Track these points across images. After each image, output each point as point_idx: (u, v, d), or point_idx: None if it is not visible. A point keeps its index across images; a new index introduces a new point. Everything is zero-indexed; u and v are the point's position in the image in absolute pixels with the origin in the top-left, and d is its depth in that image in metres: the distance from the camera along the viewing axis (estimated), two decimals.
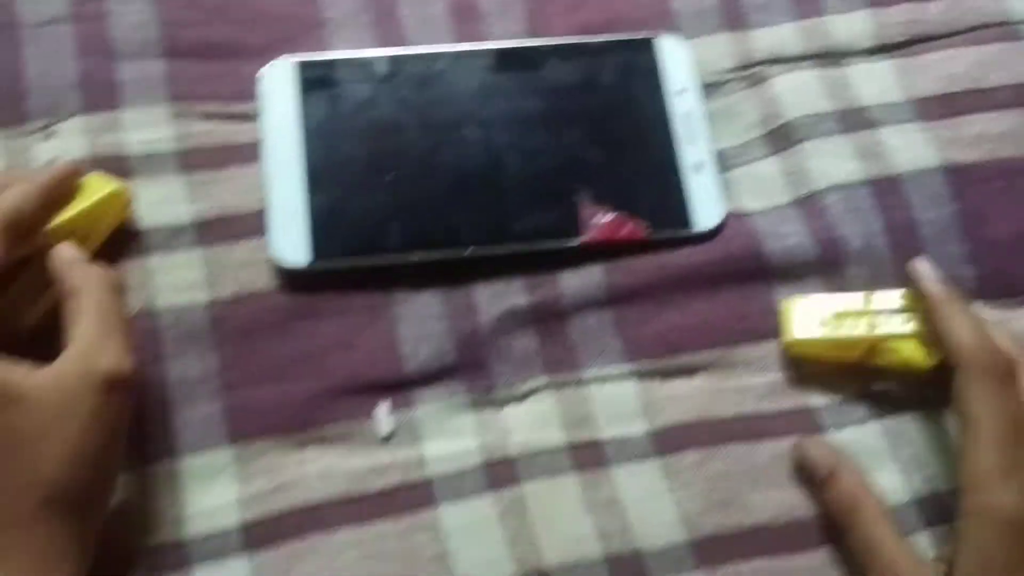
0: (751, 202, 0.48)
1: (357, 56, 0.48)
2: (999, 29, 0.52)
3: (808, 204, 0.48)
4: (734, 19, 0.51)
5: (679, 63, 0.49)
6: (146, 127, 0.46)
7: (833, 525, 0.41)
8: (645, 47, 0.49)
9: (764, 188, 0.48)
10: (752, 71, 0.50)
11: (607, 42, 0.49)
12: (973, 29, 0.52)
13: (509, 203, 0.45)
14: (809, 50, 0.51)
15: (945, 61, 0.51)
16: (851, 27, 0.51)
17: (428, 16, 0.50)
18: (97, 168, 0.45)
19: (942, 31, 0.51)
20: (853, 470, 0.41)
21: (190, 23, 0.48)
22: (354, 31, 0.49)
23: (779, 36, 0.51)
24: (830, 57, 0.51)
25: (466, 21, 0.50)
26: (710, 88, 0.50)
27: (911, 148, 0.49)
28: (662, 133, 0.48)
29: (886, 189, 0.48)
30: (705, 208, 0.47)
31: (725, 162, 0.49)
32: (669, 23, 0.51)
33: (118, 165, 0.45)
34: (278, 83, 0.47)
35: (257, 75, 0.47)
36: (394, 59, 0.48)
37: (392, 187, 0.45)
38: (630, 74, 0.49)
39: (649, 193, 0.47)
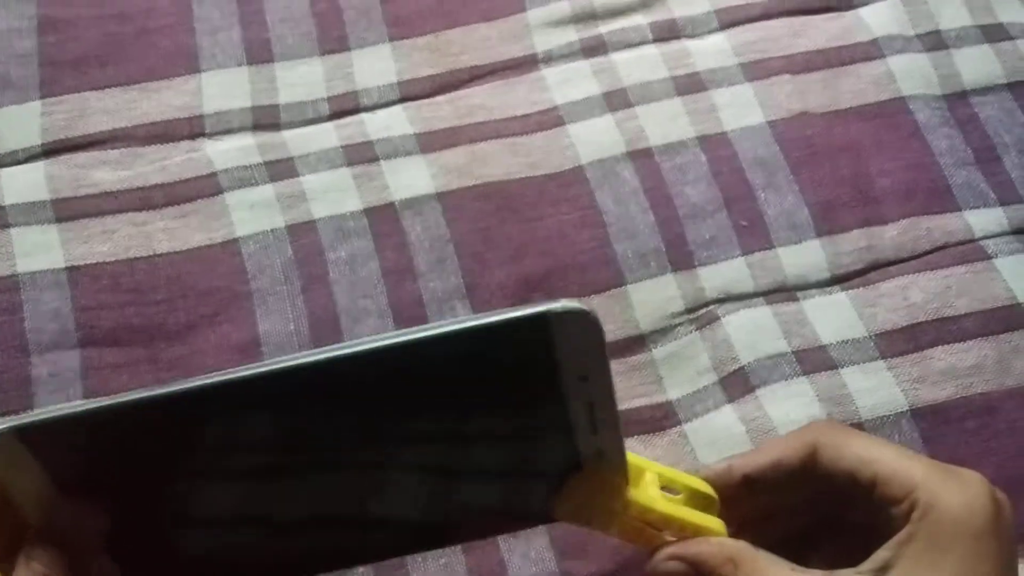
0: (709, 457, 0.45)
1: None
2: (960, 249, 0.49)
3: None
4: (679, 258, 0.49)
5: (582, 343, 0.32)
6: None
7: None
8: (535, 328, 0.31)
9: (722, 440, 0.45)
10: (702, 312, 0.48)
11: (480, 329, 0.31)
12: (933, 251, 0.49)
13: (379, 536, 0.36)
14: (761, 286, 0.48)
15: (904, 289, 0.48)
16: (803, 259, 0.49)
17: (359, 277, 0.48)
18: None
19: (900, 255, 0.49)
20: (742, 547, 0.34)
21: (107, 306, 0.46)
22: (282, 302, 0.47)
23: (729, 273, 0.49)
24: (783, 292, 0.48)
25: (400, 281, 0.48)
26: (659, 334, 0.47)
27: (877, 390, 0.46)
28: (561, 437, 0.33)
29: None
30: None
31: (679, 414, 0.46)
32: (612, 268, 0.48)
33: None
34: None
35: None
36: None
37: None
38: (516, 370, 0.32)
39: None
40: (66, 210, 0.48)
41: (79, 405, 0.30)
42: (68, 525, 0.30)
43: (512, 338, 0.31)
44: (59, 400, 0.44)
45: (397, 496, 0.34)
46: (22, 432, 0.30)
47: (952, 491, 0.31)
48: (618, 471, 0.33)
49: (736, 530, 0.33)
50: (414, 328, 0.30)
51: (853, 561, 0.32)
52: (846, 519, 0.34)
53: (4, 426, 0.29)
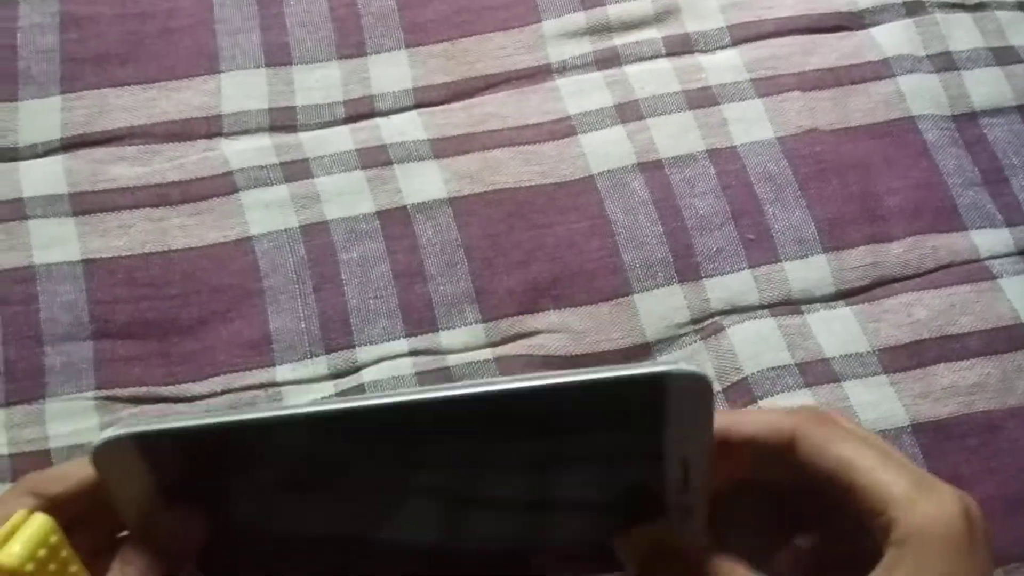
0: None
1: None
2: (965, 268, 0.50)
3: None
4: (686, 270, 0.49)
5: (691, 404, 0.32)
6: (71, 419, 0.44)
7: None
8: (651, 386, 0.31)
9: None
10: (707, 323, 0.49)
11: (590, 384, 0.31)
12: (938, 269, 0.50)
13: None
14: (766, 299, 0.49)
15: (909, 306, 0.49)
16: (809, 273, 0.49)
17: (371, 279, 0.49)
18: (19, 464, 0.43)
19: (905, 273, 0.50)
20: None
21: (122, 300, 0.47)
22: (293, 300, 0.48)
23: (734, 285, 0.49)
24: (788, 305, 0.49)
25: (411, 283, 0.49)
26: (664, 343, 0.48)
27: (879, 404, 0.46)
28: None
29: None
30: None
31: None
32: (620, 277, 0.49)
33: (41, 461, 0.43)
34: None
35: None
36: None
37: None
38: (624, 423, 0.33)
39: None
40: (83, 204, 0.49)
41: (196, 418, 0.31)
42: (166, 532, 0.31)
43: (627, 393, 0.32)
44: (71, 390, 0.45)
45: (480, 529, 0.35)
46: (138, 439, 0.31)
47: (930, 513, 0.31)
48: (697, 531, 0.34)
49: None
50: (531, 375, 0.31)
51: (844, 549, 0.32)
52: (829, 501, 0.34)
53: (124, 431, 0.30)
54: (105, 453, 0.30)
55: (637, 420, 0.32)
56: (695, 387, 0.31)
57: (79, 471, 0.31)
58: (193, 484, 0.32)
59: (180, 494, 0.32)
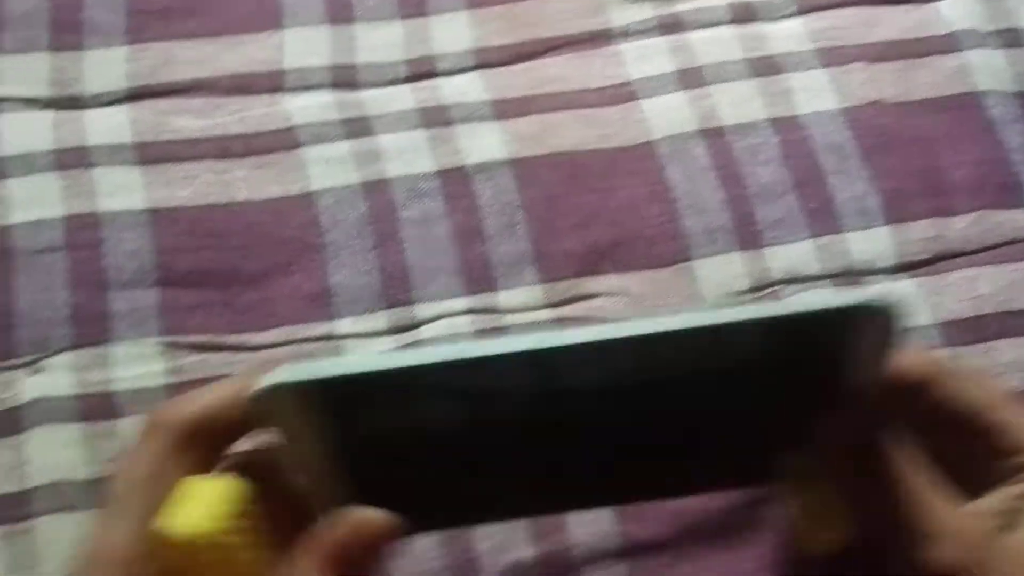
0: None
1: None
2: None
3: None
4: (747, 237, 0.49)
5: (876, 338, 0.30)
6: (136, 363, 0.45)
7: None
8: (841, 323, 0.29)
9: None
10: (767, 291, 0.48)
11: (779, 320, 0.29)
12: (1002, 245, 0.49)
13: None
14: (827, 269, 0.49)
15: (972, 280, 0.48)
16: (871, 245, 0.49)
17: (431, 237, 0.49)
18: (85, 405, 0.43)
19: (968, 247, 0.49)
20: None
21: (185, 249, 0.47)
22: (354, 256, 0.48)
23: (795, 254, 0.49)
24: (850, 276, 0.49)
25: (470, 243, 0.49)
26: None
27: None
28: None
29: None
30: None
31: None
32: (680, 242, 0.49)
33: (105, 403, 0.44)
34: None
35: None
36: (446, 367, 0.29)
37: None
38: (810, 354, 0.31)
39: None
40: (148, 154, 0.49)
41: (373, 360, 0.27)
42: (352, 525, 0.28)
43: (813, 328, 0.29)
44: (136, 335, 0.45)
45: (637, 457, 0.33)
46: (304, 387, 0.26)
47: None
48: None
49: None
50: (712, 311, 0.29)
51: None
52: (933, 443, 0.33)
53: (289, 378, 0.26)
54: (265, 402, 0.26)
55: (824, 352, 0.30)
56: (884, 320, 0.28)
57: (228, 415, 0.29)
58: (373, 443, 0.29)
59: (357, 456, 0.28)
